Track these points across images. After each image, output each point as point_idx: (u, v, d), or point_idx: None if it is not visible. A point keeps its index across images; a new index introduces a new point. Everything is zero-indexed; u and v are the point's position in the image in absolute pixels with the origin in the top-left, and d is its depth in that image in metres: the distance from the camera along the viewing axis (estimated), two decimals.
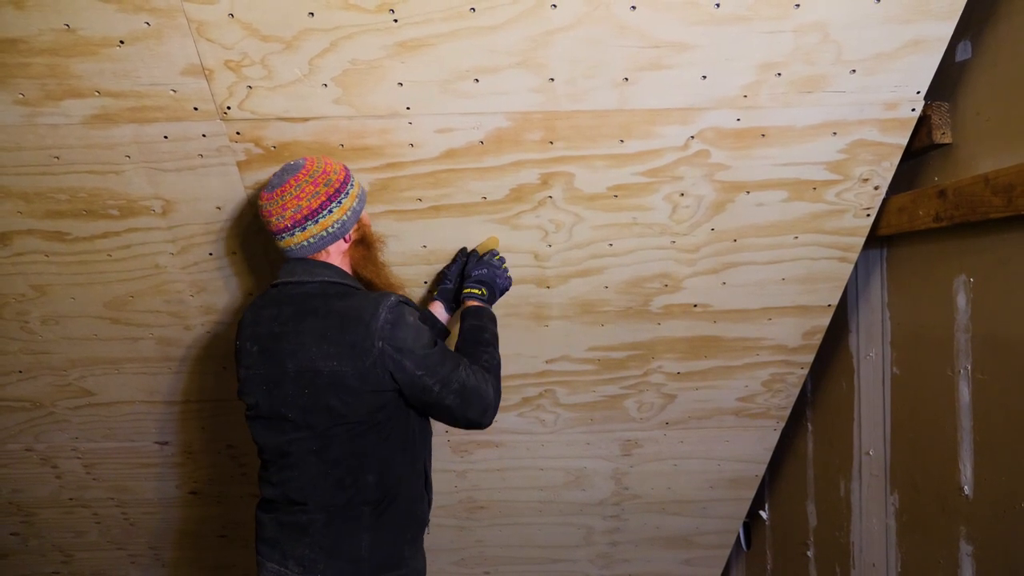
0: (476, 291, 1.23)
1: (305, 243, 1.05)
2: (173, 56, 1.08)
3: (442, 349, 1.06)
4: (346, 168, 1.12)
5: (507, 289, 1.29)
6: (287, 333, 1.02)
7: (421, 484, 1.14)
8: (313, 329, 1.00)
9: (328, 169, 1.07)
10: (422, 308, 1.30)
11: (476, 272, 1.26)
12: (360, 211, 1.11)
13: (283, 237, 1.05)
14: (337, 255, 1.10)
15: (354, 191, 1.10)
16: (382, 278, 1.16)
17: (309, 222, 1.04)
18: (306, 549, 1.03)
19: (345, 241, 1.09)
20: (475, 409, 1.07)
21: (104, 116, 1.15)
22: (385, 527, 1.06)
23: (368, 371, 0.98)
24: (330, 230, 1.06)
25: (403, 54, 1.09)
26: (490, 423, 1.10)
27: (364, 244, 1.13)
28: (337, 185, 1.06)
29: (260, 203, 1.07)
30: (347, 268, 1.12)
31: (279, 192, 1.04)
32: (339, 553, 1.03)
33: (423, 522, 1.15)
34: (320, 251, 1.08)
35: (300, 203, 1.03)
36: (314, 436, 1.02)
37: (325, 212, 1.05)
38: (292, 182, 1.04)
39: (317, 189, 1.04)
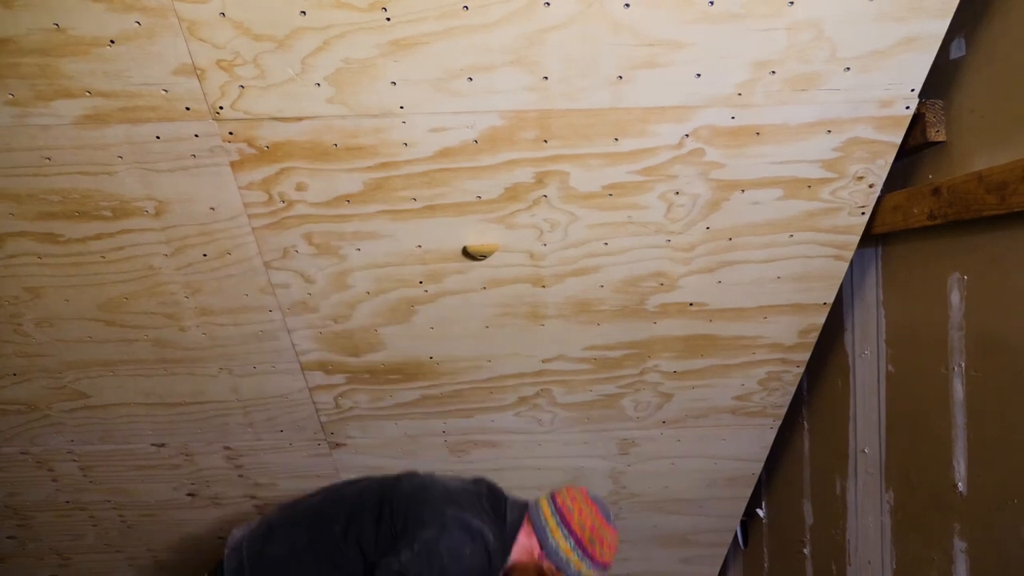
0: None
1: (537, 511, 1.21)
2: (164, 56, 1.07)
3: None
4: (605, 566, 1.20)
5: None
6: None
7: None
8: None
9: (605, 550, 1.19)
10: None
11: None
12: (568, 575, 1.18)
13: (550, 501, 1.22)
14: (528, 543, 1.20)
15: (585, 574, 1.18)
16: None
17: (557, 519, 1.19)
18: None
19: (537, 555, 1.19)
20: None
21: (95, 116, 1.14)
22: None
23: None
24: (549, 540, 1.18)
25: (396, 53, 1.08)
26: None
27: (530, 573, 1.20)
28: (592, 554, 1.18)
29: (595, 511, 1.22)
30: (522, 550, 1.21)
31: (592, 507, 1.21)
32: None
33: None
34: (529, 524, 1.21)
35: (574, 516, 1.19)
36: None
37: (565, 535, 1.17)
38: (596, 518, 1.20)
39: (585, 534, 1.18)
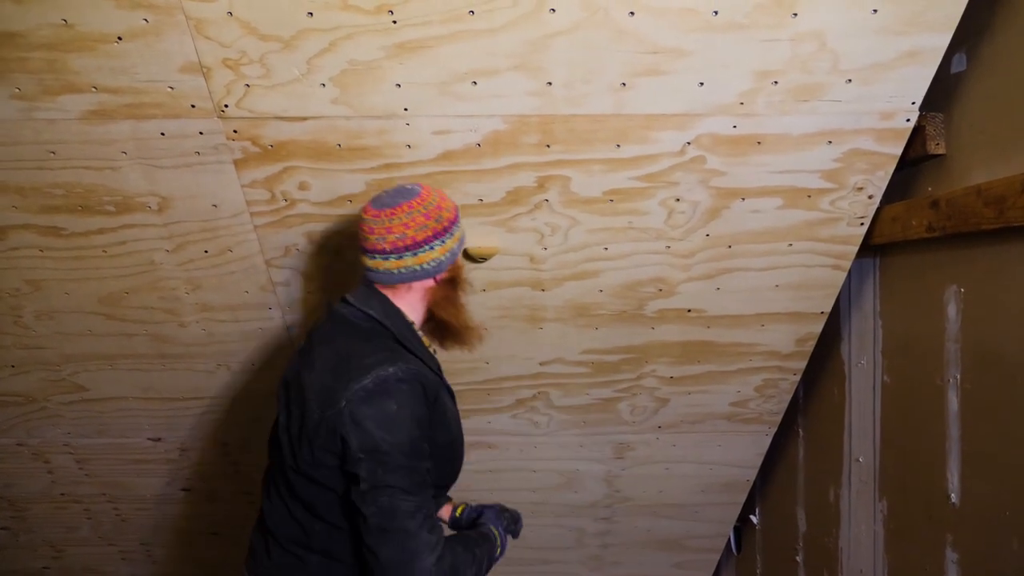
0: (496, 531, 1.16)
1: (394, 272, 1.02)
2: (171, 53, 1.08)
3: (410, 466, 0.92)
4: (456, 208, 1.08)
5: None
6: (310, 351, 1.02)
7: None
8: (321, 355, 0.99)
9: (442, 205, 1.04)
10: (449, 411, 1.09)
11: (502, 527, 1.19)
12: (458, 253, 1.08)
13: (374, 258, 1.02)
14: (418, 292, 1.06)
15: (458, 233, 1.06)
16: (460, 319, 1.10)
17: (407, 253, 1.01)
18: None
19: (435, 281, 1.06)
20: (387, 548, 0.90)
21: (101, 112, 1.15)
22: None
23: (323, 422, 0.93)
24: (425, 266, 1.02)
25: (402, 55, 1.09)
26: None
27: (451, 285, 1.09)
28: (446, 223, 1.03)
29: (364, 217, 1.02)
30: (419, 308, 1.07)
31: (388, 213, 1.00)
32: None
33: None
34: (400, 284, 1.04)
35: (406, 231, 1.00)
36: (285, 469, 1.01)
37: (426, 247, 1.01)
38: (405, 207, 1.00)
39: (427, 222, 1.01)
